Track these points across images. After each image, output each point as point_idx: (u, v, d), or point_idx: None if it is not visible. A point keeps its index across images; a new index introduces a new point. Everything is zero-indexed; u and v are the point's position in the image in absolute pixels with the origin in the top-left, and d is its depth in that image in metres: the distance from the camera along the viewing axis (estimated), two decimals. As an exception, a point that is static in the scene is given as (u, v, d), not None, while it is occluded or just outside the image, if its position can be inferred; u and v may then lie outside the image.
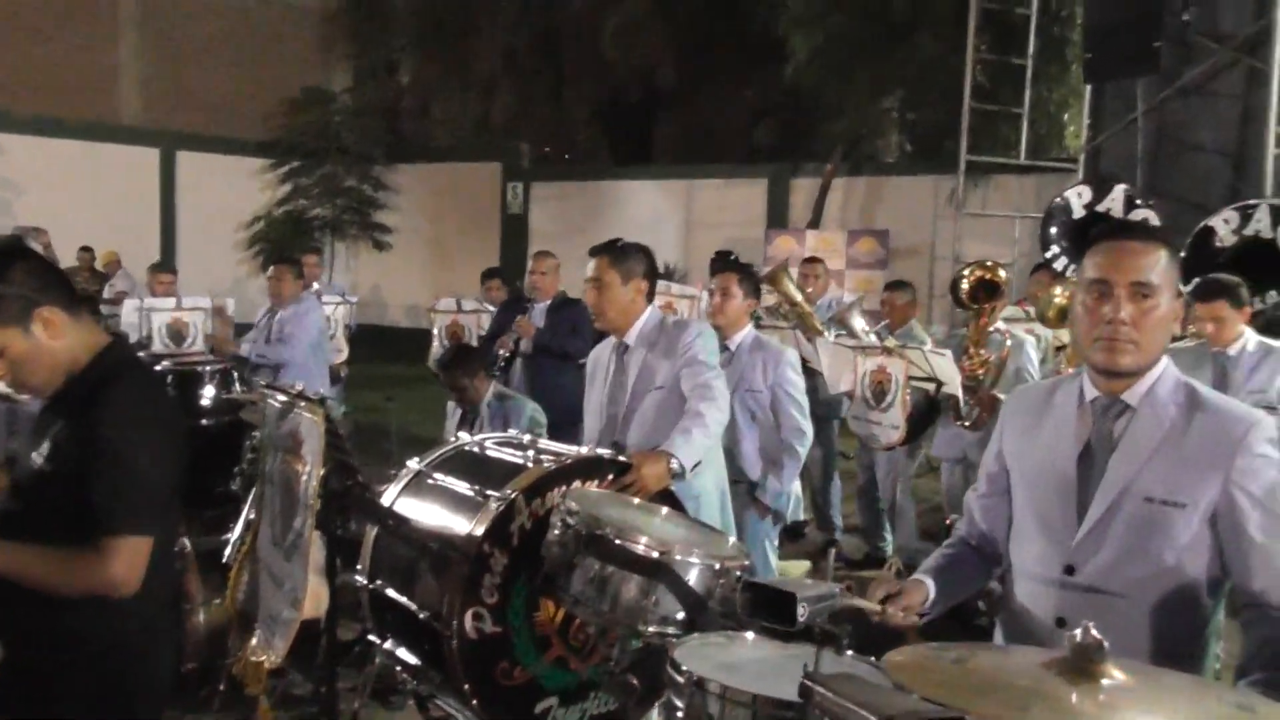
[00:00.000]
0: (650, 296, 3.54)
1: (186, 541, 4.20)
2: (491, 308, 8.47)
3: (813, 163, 15.24)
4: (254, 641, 3.30)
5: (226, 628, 3.82)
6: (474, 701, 2.73)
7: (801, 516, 4.90)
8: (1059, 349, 5.88)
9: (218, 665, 4.12)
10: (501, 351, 6.23)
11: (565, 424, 5.06)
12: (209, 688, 4.19)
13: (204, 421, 5.75)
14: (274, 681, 4.28)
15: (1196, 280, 5.24)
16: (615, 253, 3.47)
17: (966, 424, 5.63)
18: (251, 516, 3.53)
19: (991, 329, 5.70)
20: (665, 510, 2.72)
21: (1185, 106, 8.82)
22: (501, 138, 17.83)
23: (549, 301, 6.35)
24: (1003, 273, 5.89)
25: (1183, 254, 6.61)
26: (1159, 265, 1.95)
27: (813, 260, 7.88)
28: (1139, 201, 7.94)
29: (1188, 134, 8.87)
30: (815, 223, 14.65)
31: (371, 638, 3.17)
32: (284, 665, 4.16)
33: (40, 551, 2.14)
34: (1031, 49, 10.82)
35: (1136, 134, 9.02)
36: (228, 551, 3.73)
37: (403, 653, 3.03)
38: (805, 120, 15.43)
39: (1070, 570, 2.02)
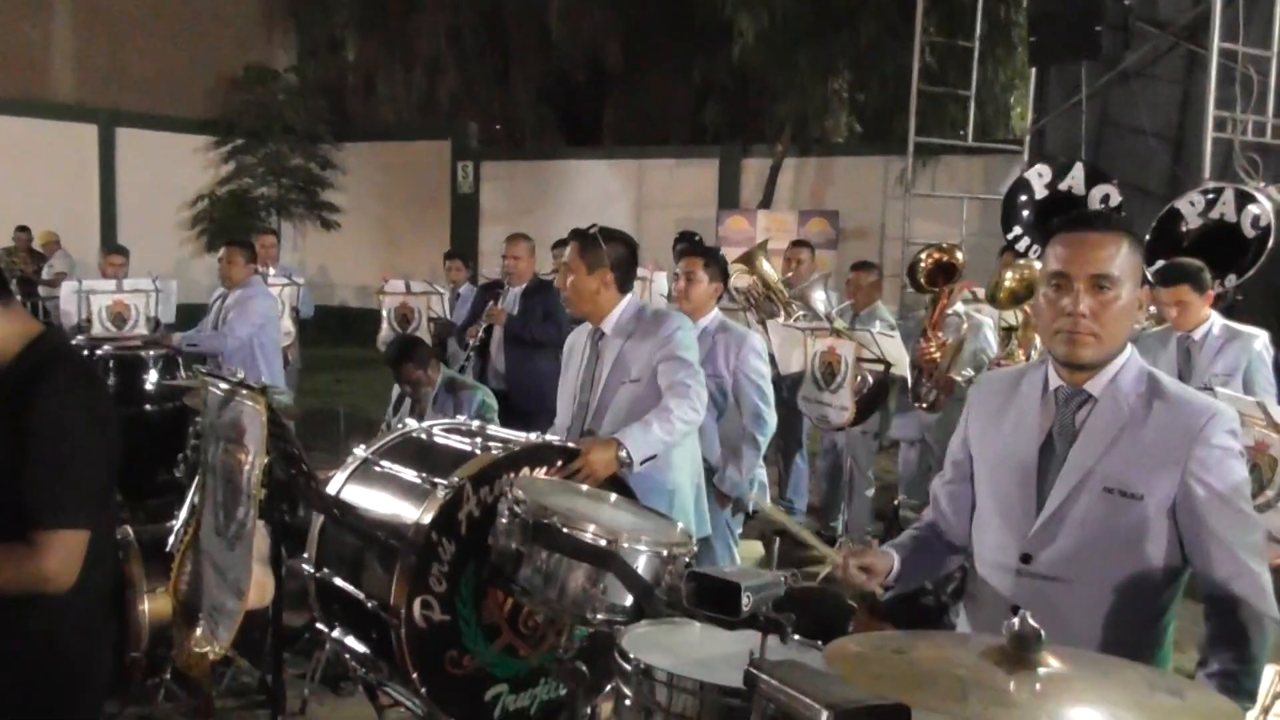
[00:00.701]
0: (624, 287, 3.45)
1: (130, 530, 4.14)
2: (445, 289, 8.41)
3: (762, 143, 15.27)
4: (198, 632, 3.25)
5: (171, 618, 3.76)
6: (423, 690, 2.71)
7: (766, 503, 4.90)
8: (1007, 330, 5.96)
9: (163, 655, 4.07)
10: (471, 340, 6.18)
11: (539, 412, 5.02)
12: (154, 678, 4.13)
13: (147, 407, 5.65)
14: (221, 670, 4.24)
15: (1160, 264, 5.33)
16: (584, 240, 3.41)
17: (924, 406, 5.70)
18: (195, 504, 3.47)
19: (950, 311, 5.77)
20: (614, 497, 2.72)
21: (1126, 91, 8.98)
22: (449, 117, 17.63)
23: (522, 286, 6.31)
24: (960, 255, 5.96)
25: (1147, 237, 6.75)
26: (1119, 256, 1.96)
27: (799, 244, 7.87)
28: (1101, 176, 8.05)
29: (1129, 117, 9.04)
30: (766, 203, 14.69)
31: (319, 626, 3.14)
32: (231, 654, 4.13)
33: (-27, 548, 2.08)
34: (979, 31, 10.91)
35: (1080, 117, 9.15)
36: (171, 540, 3.67)
37: (351, 641, 3.01)
38: (753, 101, 15.45)
39: (1027, 559, 2.03)
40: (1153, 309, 5.69)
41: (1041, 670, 1.41)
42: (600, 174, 16.32)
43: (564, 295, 3.48)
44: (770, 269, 6.78)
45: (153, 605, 3.93)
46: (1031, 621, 1.42)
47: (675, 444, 3.23)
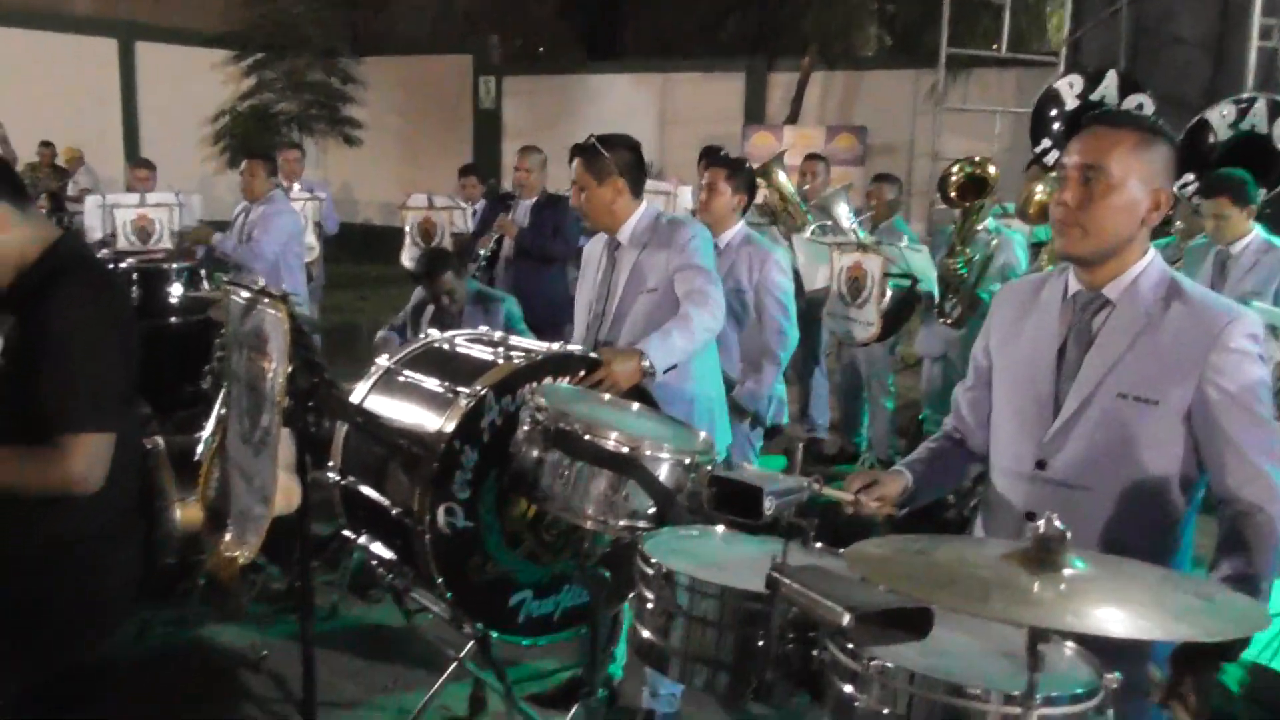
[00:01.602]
0: (636, 193, 3.41)
1: (159, 440, 4.19)
2: (465, 204, 8.34)
3: (789, 57, 14.94)
4: (227, 538, 3.30)
5: (201, 525, 3.82)
6: (447, 595, 2.75)
7: (785, 420, 4.90)
8: (1036, 245, 5.87)
9: (194, 562, 4.15)
10: (482, 250, 6.15)
11: (548, 325, 5.02)
12: (186, 583, 4.23)
13: (172, 320, 5.68)
14: (252, 577, 4.33)
15: (1191, 175, 5.20)
16: (587, 154, 3.35)
17: (948, 321, 5.65)
18: (221, 413, 3.50)
19: (980, 227, 5.67)
20: (636, 406, 2.71)
21: (1166, -3, 8.67)
22: (470, 32, 17.34)
23: (533, 199, 6.25)
24: (992, 169, 5.83)
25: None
26: (1118, 149, 1.91)
27: (813, 157, 7.75)
28: (1135, 86, 7.82)
29: (1169, 26, 8.74)
30: (793, 118, 14.44)
31: (346, 534, 3.18)
32: (261, 561, 4.21)
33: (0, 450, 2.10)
34: (1015, -64, 10.55)
35: (1119, 27, 8.86)
36: (199, 449, 3.70)
37: (377, 548, 3.05)
38: (780, 13, 15.07)
39: (1041, 465, 2.03)
40: (1179, 223, 5.58)
41: (1066, 572, 1.40)
42: (623, 88, 16.06)
43: (580, 212, 3.42)
44: (786, 182, 6.68)
45: (184, 513, 3.99)
46: (1057, 523, 1.41)
47: (696, 352, 3.21)
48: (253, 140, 14.93)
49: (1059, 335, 2.05)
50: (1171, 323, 1.94)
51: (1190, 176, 6.45)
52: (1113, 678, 1.50)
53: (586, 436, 2.28)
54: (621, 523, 2.30)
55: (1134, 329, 1.96)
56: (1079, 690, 1.47)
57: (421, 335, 3.33)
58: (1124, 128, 1.95)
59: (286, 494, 3.05)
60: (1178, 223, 5.59)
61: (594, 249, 3.58)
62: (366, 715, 3.59)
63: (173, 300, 5.72)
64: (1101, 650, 1.57)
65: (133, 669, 3.06)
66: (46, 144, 12.44)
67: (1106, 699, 1.52)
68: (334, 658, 3.90)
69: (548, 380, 2.83)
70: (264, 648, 3.91)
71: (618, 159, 3.35)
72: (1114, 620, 1.30)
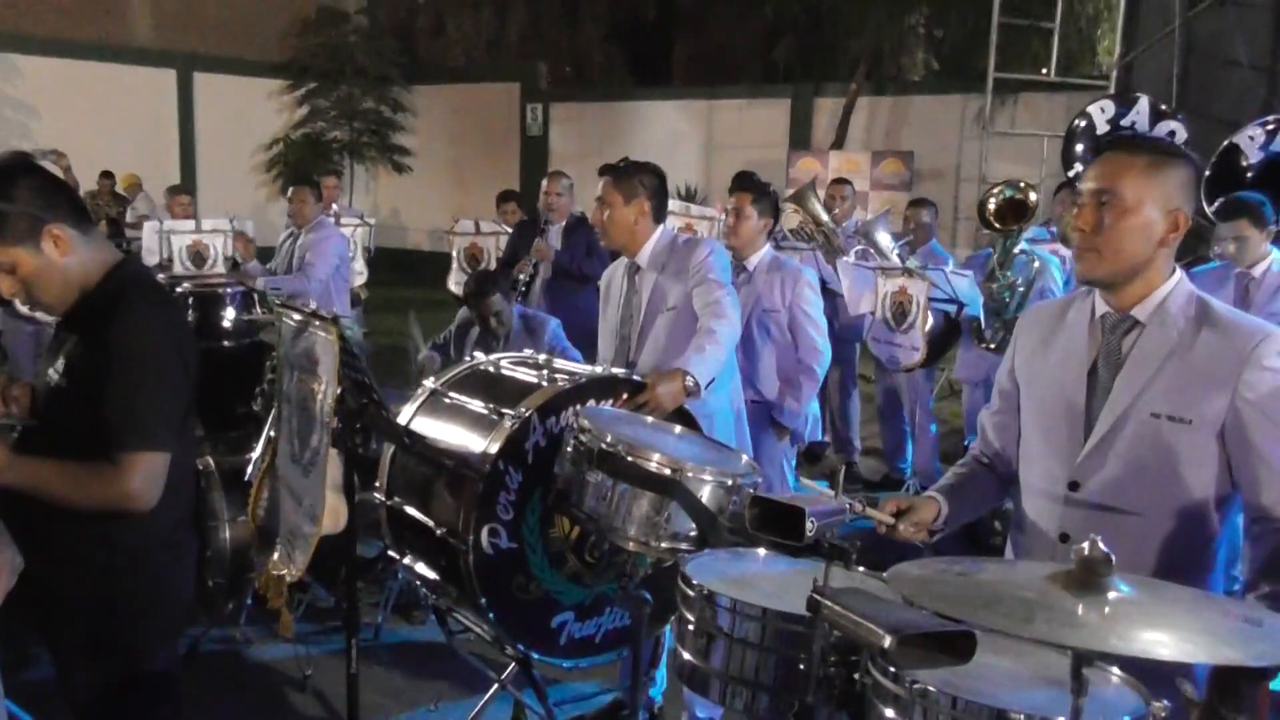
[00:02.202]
0: (658, 218, 3.50)
1: (211, 460, 4.27)
2: (508, 229, 8.43)
3: (836, 82, 14.94)
4: (275, 556, 3.35)
5: (250, 544, 3.89)
6: (490, 615, 2.77)
7: (820, 437, 4.89)
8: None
9: (243, 580, 4.22)
10: (521, 275, 6.22)
11: (584, 346, 5.05)
12: (235, 601, 4.29)
13: (225, 343, 5.76)
14: (298, 596, 4.38)
15: (1220, 200, 5.12)
16: (617, 173, 3.45)
17: (991, 346, 5.59)
18: (271, 435, 3.56)
19: (1018, 250, 5.62)
20: (679, 429, 2.73)
21: (1221, 19, 8.55)
22: (517, 58, 17.57)
23: (564, 222, 6.33)
24: (1033, 195, 5.79)
25: (1208, 173, 6.46)
26: (1130, 173, 1.93)
27: (840, 181, 7.80)
28: (1166, 112, 7.72)
29: (1222, 49, 8.62)
30: (839, 143, 14.42)
31: (391, 554, 3.22)
32: (307, 580, 4.26)
33: (59, 466, 2.16)
34: (1064, -41, 10.49)
35: (1171, 49, 8.77)
36: (249, 469, 3.77)
37: (421, 568, 3.08)
38: (826, 38, 15.09)
39: (1074, 486, 2.02)
40: (1216, 248, 5.47)
41: (1111, 595, 1.38)
42: (669, 115, 16.16)
43: (600, 229, 3.50)
44: (820, 208, 6.70)
45: (233, 532, 4.07)
46: (1102, 546, 1.39)
47: (726, 361, 3.26)
48: (305, 167, 15.23)
49: (1088, 356, 2.05)
50: (1203, 342, 1.94)
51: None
52: (1161, 705, 1.48)
53: (629, 458, 2.29)
54: (664, 544, 2.31)
55: (1165, 349, 1.96)
56: (1126, 717, 1.45)
57: (467, 357, 3.37)
58: (1137, 152, 1.97)
59: (334, 514, 3.10)
60: (1215, 248, 5.49)
61: (614, 274, 3.65)
62: (410, 735, 3.61)
63: (226, 324, 5.82)
64: (1145, 675, 1.55)
65: (182, 685, 3.12)
66: (107, 174, 12.78)
67: (1154, 727, 1.50)
68: (377, 676, 3.93)
69: (591, 402, 2.85)
70: (309, 666, 3.95)
71: (646, 182, 3.45)
72: (1160, 644, 1.28)
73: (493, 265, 7.96)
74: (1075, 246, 1.99)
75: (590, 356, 3.72)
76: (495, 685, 3.36)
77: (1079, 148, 8.10)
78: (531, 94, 17.38)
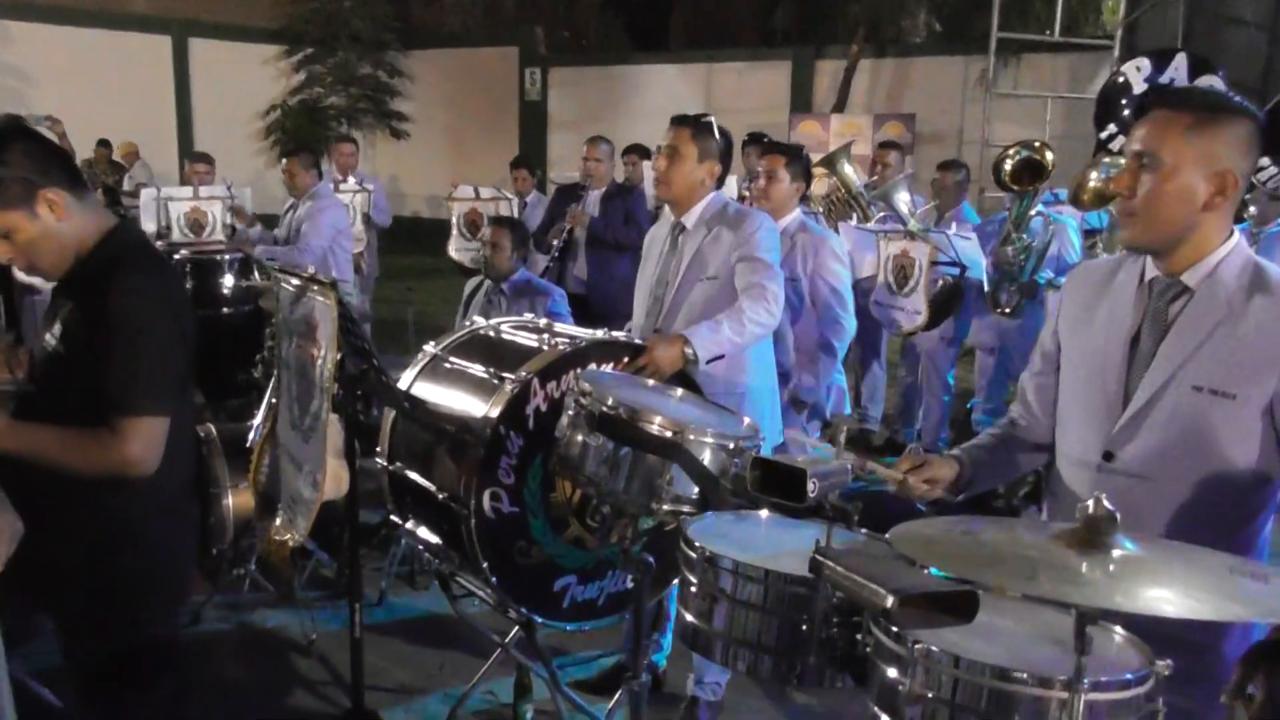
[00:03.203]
0: (720, 183, 3.39)
1: (212, 428, 4.27)
2: (512, 196, 8.37)
3: (836, 45, 14.81)
4: (277, 522, 3.36)
5: (253, 511, 3.89)
6: (493, 579, 2.77)
7: (846, 411, 4.81)
8: (1089, 233, 5.75)
9: (247, 547, 4.23)
10: (555, 242, 6.17)
11: (619, 315, 5.01)
12: (239, 569, 4.31)
13: (225, 311, 5.77)
14: (302, 563, 4.40)
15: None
16: (698, 126, 3.30)
17: (1006, 311, 5.55)
18: (272, 401, 3.56)
19: (1033, 213, 5.56)
20: (680, 391, 2.71)
21: (1227, -22, 8.45)
22: (514, 22, 17.41)
23: (602, 190, 6.30)
24: (1049, 154, 5.71)
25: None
26: (1171, 133, 1.83)
27: (887, 145, 7.62)
28: (1207, 66, 7.58)
29: (1226, 8, 8.52)
30: (840, 107, 14.32)
31: (394, 519, 3.22)
32: (311, 547, 4.28)
33: (58, 432, 2.16)
34: (1068, -83, 10.35)
35: (1176, 8, 8.67)
36: (250, 436, 3.77)
37: (423, 533, 3.08)
38: (826, 0, 14.93)
39: (1109, 457, 1.95)
40: (1252, 209, 5.40)
41: (1115, 553, 1.37)
42: (668, 79, 16.03)
43: (659, 177, 3.36)
44: (852, 172, 6.61)
45: (236, 500, 4.07)
46: (1106, 504, 1.38)
47: (745, 346, 3.17)
48: (303, 134, 15.15)
49: (1133, 322, 1.96)
50: (1254, 313, 1.84)
51: (1266, 161, 6.26)
52: (1164, 664, 1.47)
53: (630, 421, 2.28)
54: (665, 507, 2.29)
55: (1213, 318, 1.86)
56: (1128, 676, 1.45)
57: (466, 322, 3.36)
58: (1181, 109, 1.86)
59: (335, 479, 3.10)
60: (1251, 209, 5.42)
61: (658, 233, 3.55)
62: (413, 700, 3.63)
63: (225, 291, 5.81)
64: (1163, 641, 1.54)
65: (187, 652, 3.14)
66: (104, 143, 12.71)
67: (1157, 686, 1.49)
68: (382, 643, 3.95)
69: (592, 366, 2.84)
70: (314, 632, 3.97)
71: (722, 146, 3.34)
72: (1164, 601, 1.27)
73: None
74: (1117, 211, 1.91)
75: (622, 325, 3.62)
76: (499, 650, 3.38)
77: (1120, 110, 7.92)
78: (529, 59, 17.24)
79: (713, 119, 3.35)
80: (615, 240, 6.05)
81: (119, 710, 2.36)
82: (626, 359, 2.94)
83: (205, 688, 3.53)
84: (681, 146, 3.29)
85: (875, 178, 7.02)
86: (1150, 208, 1.85)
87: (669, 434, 2.26)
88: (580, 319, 4.84)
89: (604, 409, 2.31)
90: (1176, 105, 1.88)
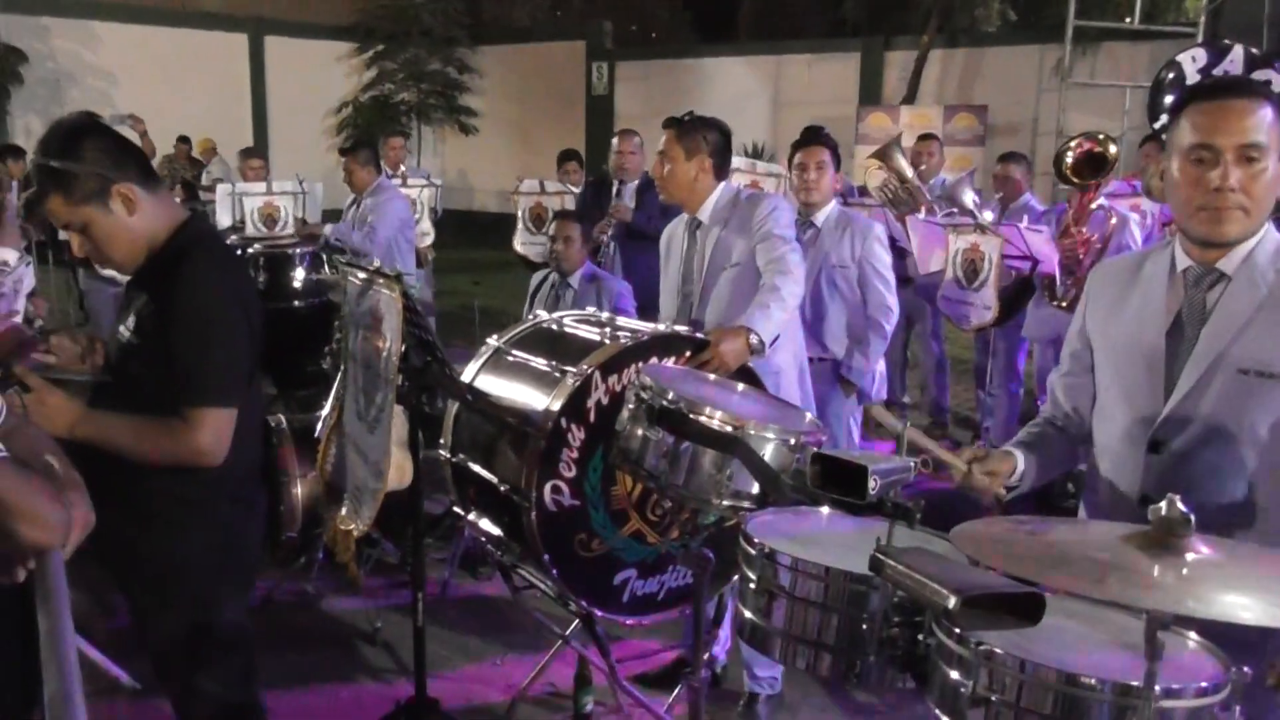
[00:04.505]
0: (719, 175, 3.43)
1: (283, 418, 4.36)
2: (573, 189, 8.39)
3: (907, 35, 14.58)
4: (343, 511, 3.41)
5: (320, 499, 3.97)
6: (553, 571, 2.78)
7: (885, 396, 4.80)
8: (1165, 225, 5.59)
9: (315, 535, 4.31)
10: (602, 237, 6.17)
11: (657, 306, 5.01)
12: (307, 555, 4.39)
13: (295, 304, 5.87)
14: (367, 551, 4.47)
15: None
16: (680, 127, 3.39)
17: (1063, 304, 5.42)
18: (339, 392, 3.61)
19: (1094, 206, 5.43)
20: (741, 386, 2.68)
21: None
22: (582, 17, 17.47)
23: (637, 182, 6.28)
24: (1112, 147, 5.57)
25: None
26: (1266, 123, 1.81)
27: (927, 137, 7.57)
28: (1262, 59, 7.36)
29: (1321, -8, 8.20)
30: (910, 98, 14.10)
31: (456, 510, 3.25)
32: (376, 535, 4.34)
33: (131, 421, 2.21)
34: (1150, -100, 10.05)
35: (1263, -6, 8.37)
36: (318, 427, 3.84)
37: (485, 524, 3.10)
38: (898, -11, 14.73)
39: (1155, 446, 1.93)
40: None
41: (1189, 556, 1.32)
42: (736, 72, 15.94)
43: (659, 183, 3.45)
44: (905, 164, 6.52)
45: (305, 489, 4.16)
46: (1181, 505, 1.33)
47: (790, 319, 3.21)
48: (374, 130, 15.37)
49: (1169, 312, 1.95)
50: None
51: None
52: (1242, 671, 1.42)
53: (691, 415, 2.26)
54: (726, 502, 2.27)
55: (1253, 302, 1.86)
56: (1203, 684, 1.39)
57: (529, 316, 3.37)
58: (1258, 97, 1.85)
59: (399, 470, 3.14)
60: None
61: (675, 231, 3.60)
62: (474, 688, 3.67)
63: (296, 284, 5.92)
64: (1241, 646, 1.49)
65: (255, 635, 3.22)
66: (183, 139, 13.04)
67: (1234, 695, 1.44)
68: (445, 631, 4.00)
69: (653, 360, 2.83)
70: (379, 620, 4.03)
71: (709, 138, 3.38)
72: (1241, 606, 1.22)
73: (557, 227, 7.93)
74: (1211, 207, 1.84)
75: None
76: (559, 641, 3.39)
77: (1168, 99, 7.75)
78: (596, 53, 17.27)
79: (695, 113, 3.44)
80: (656, 231, 6.02)
81: (191, 689, 2.41)
82: (689, 353, 2.92)
83: (272, 671, 3.61)
84: (668, 149, 3.39)
85: (923, 168, 6.92)
86: (1259, 199, 1.84)
87: (729, 429, 2.24)
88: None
89: (664, 403, 2.30)
90: (1254, 94, 1.86)
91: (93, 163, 2.17)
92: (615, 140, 6.47)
